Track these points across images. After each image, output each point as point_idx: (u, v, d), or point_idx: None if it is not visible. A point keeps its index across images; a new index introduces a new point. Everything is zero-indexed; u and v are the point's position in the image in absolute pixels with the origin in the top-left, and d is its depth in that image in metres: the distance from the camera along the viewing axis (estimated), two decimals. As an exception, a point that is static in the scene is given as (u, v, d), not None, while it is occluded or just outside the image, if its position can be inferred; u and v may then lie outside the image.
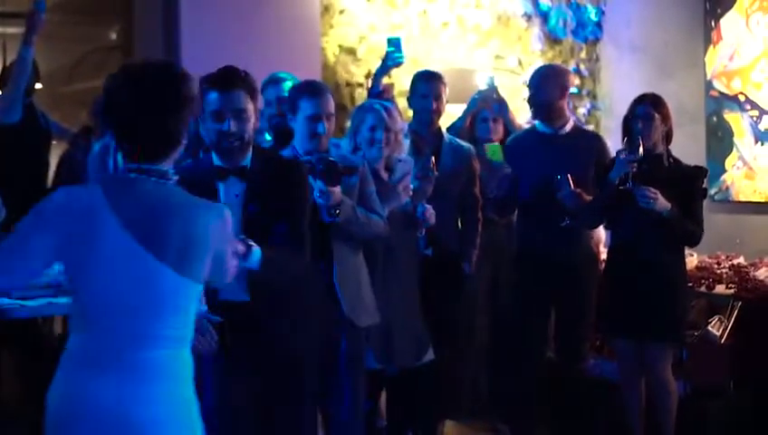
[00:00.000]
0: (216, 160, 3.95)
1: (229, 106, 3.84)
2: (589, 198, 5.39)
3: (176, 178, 2.94)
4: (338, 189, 4.32)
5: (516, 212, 5.90)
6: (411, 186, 5.00)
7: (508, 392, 5.85)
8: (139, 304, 2.82)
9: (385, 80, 7.75)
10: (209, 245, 2.88)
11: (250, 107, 3.88)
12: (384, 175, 4.96)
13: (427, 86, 5.63)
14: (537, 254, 5.56)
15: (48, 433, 2.86)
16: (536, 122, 5.75)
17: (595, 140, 5.77)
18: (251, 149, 3.95)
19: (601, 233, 6.57)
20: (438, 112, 5.65)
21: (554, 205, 5.42)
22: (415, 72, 5.99)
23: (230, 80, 3.88)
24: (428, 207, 5.03)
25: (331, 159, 4.33)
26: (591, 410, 5.76)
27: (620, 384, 5.48)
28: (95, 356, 2.82)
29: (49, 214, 2.87)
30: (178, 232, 2.83)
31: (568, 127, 5.65)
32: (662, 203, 5.08)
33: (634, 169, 5.10)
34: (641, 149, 5.09)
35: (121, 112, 2.88)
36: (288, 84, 5.38)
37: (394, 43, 5.93)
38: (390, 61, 5.92)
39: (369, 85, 6.22)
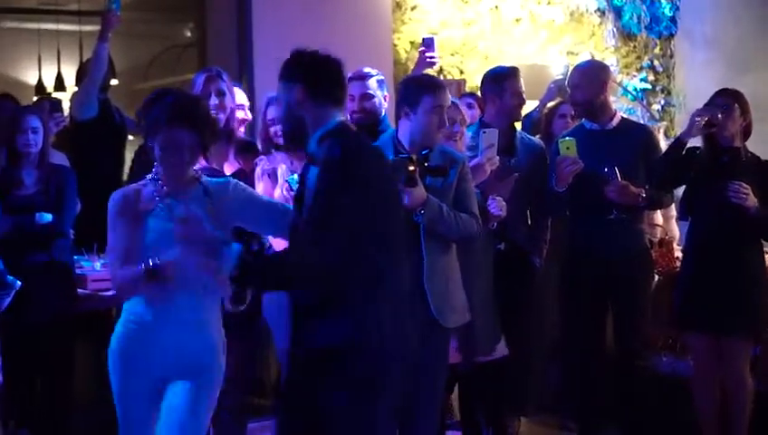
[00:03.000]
0: None
1: None
2: (636, 190, 5.33)
3: None
4: (417, 190, 4.27)
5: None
6: (497, 158, 4.96)
7: (576, 389, 5.81)
8: None
9: (457, 76, 7.80)
10: None
11: None
12: None
13: (505, 83, 5.57)
14: (587, 250, 5.51)
15: None
16: (583, 119, 5.69)
17: (643, 133, 5.69)
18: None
19: (675, 231, 6.52)
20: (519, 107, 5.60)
21: (602, 200, 5.37)
22: (488, 68, 5.94)
23: None
24: (499, 199, 4.96)
25: (402, 157, 4.32)
26: (663, 408, 5.71)
27: (693, 381, 5.42)
28: None
29: None
30: None
31: (615, 121, 5.59)
32: (752, 199, 5.04)
33: (701, 124, 5.09)
34: (720, 116, 5.06)
35: None
36: (373, 81, 5.36)
37: (427, 43, 5.86)
38: (424, 61, 5.85)
39: None
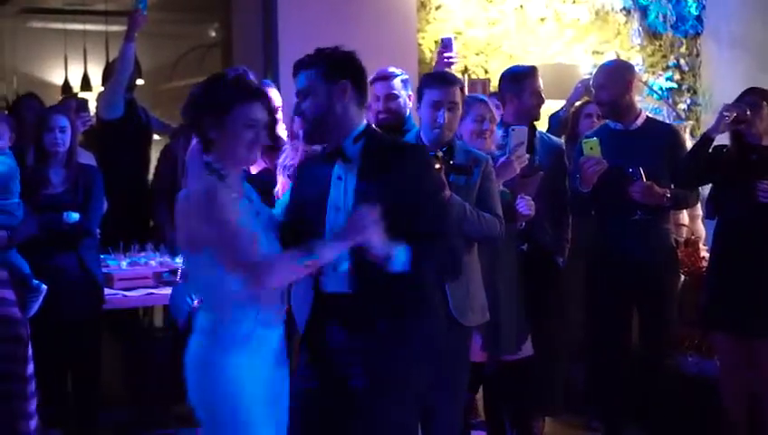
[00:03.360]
0: None
1: None
2: (661, 190, 5.31)
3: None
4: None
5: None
6: (526, 156, 4.96)
7: (600, 389, 5.79)
8: None
9: (482, 75, 7.80)
10: None
11: None
12: None
13: (524, 82, 5.56)
14: (612, 250, 5.48)
15: None
16: (608, 119, 5.66)
17: (668, 133, 5.65)
18: None
19: (701, 230, 6.49)
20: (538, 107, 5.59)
21: (627, 200, 5.34)
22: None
23: None
24: (527, 198, 4.95)
25: (431, 154, 4.30)
26: (689, 408, 5.68)
27: (720, 382, 5.39)
28: None
29: None
30: None
31: (640, 121, 5.55)
32: None
33: (729, 120, 5.07)
34: (749, 113, 5.04)
35: None
36: (398, 81, 5.37)
37: (445, 43, 5.83)
38: (442, 61, 5.83)
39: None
